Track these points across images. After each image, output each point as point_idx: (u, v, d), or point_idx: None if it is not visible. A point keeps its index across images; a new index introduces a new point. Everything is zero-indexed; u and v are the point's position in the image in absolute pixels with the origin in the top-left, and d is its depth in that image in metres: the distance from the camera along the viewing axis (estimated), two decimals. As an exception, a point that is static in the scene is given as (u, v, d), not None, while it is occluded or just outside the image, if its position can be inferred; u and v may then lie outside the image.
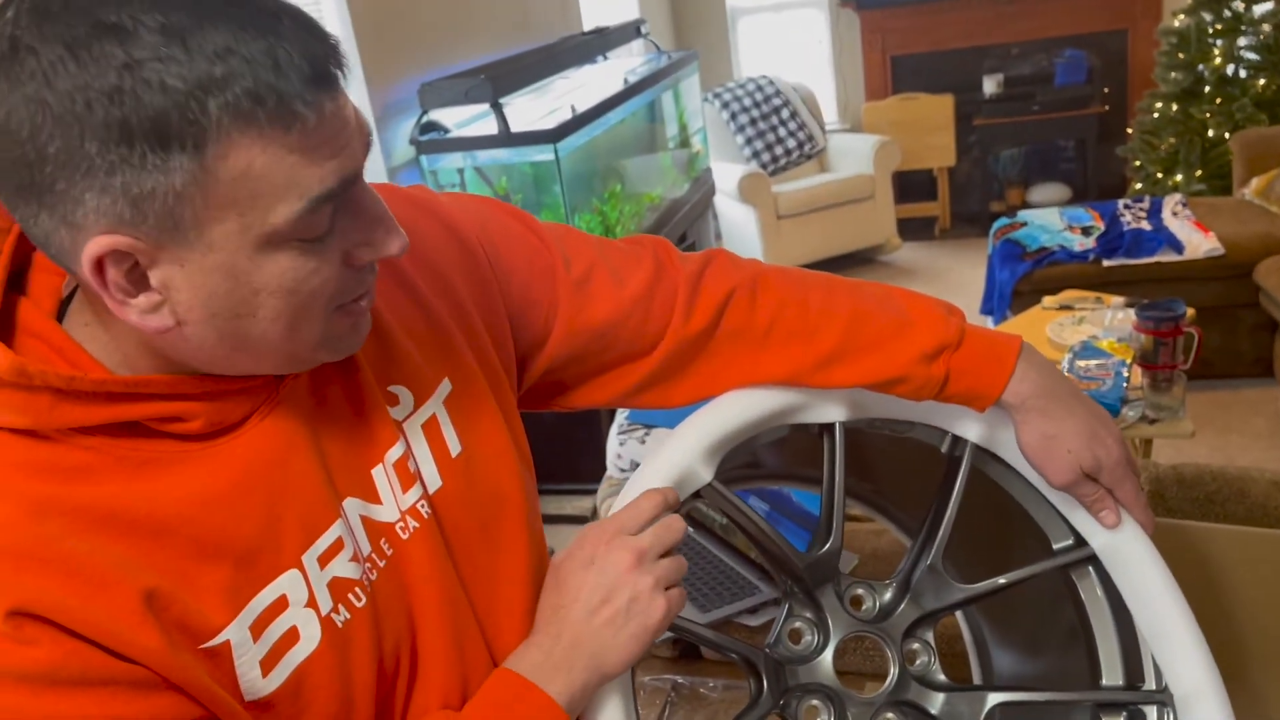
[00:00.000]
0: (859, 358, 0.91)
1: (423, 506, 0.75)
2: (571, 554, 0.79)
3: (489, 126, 3.10)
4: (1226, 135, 4.15)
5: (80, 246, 0.58)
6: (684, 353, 0.91)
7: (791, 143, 5.15)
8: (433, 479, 0.77)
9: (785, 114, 5.17)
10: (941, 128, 5.38)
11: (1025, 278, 3.50)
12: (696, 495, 0.91)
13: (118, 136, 0.55)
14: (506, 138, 3.05)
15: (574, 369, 0.91)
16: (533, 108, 3.41)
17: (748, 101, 5.14)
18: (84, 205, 0.57)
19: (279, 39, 0.57)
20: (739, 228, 5.05)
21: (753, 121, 5.11)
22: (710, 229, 4.78)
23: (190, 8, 0.55)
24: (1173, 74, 4.31)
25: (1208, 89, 4.24)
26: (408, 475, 0.75)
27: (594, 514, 2.97)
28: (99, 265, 0.58)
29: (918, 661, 0.95)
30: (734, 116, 5.11)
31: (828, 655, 0.92)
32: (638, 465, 1.87)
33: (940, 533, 0.95)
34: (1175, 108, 4.31)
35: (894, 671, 0.93)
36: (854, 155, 5.14)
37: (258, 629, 0.66)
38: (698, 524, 1.68)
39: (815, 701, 0.91)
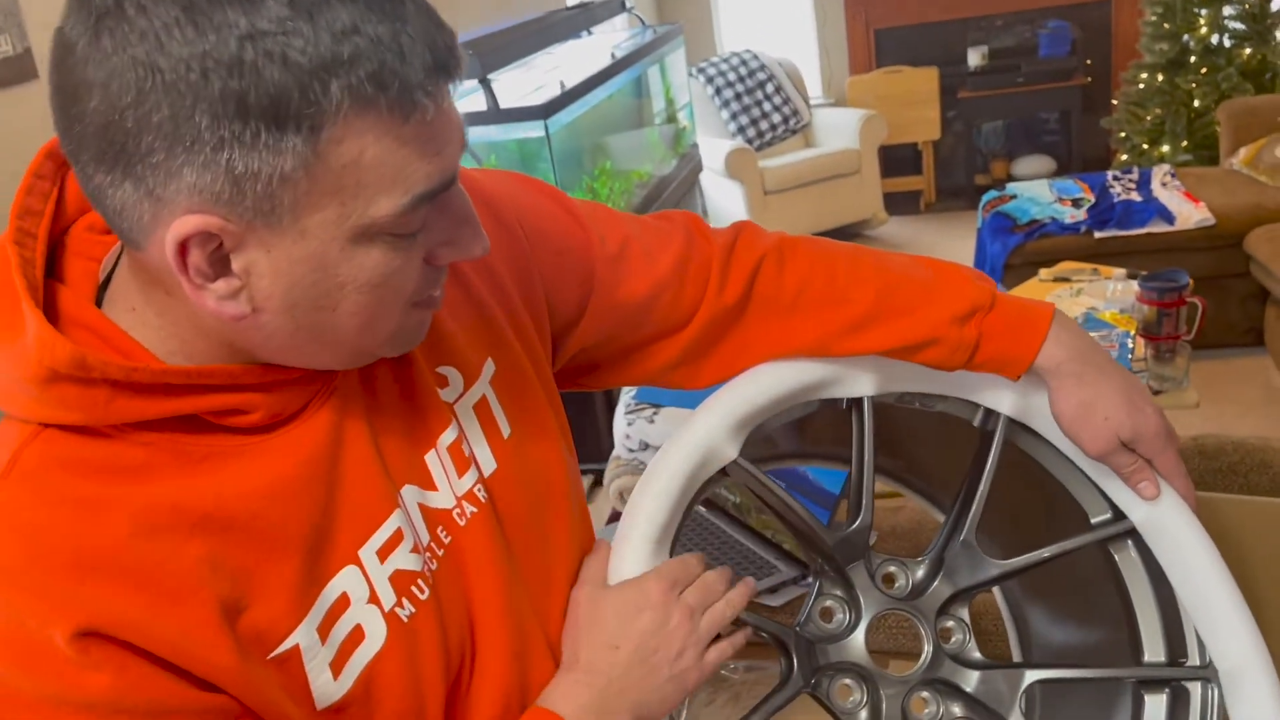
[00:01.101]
0: (890, 321, 0.88)
1: (479, 491, 0.73)
2: (625, 597, 0.77)
3: (477, 103, 3.05)
4: (1212, 105, 4.16)
5: (162, 222, 0.55)
6: (718, 325, 0.90)
7: (777, 117, 5.12)
8: (487, 462, 0.75)
9: (770, 89, 5.14)
10: (926, 101, 5.36)
11: (1017, 250, 3.49)
12: (722, 473, 0.89)
13: (233, 111, 0.51)
14: (495, 114, 3.00)
15: (607, 347, 0.89)
16: (520, 83, 3.36)
17: (732, 76, 5.10)
18: (179, 180, 0.53)
19: (404, 23, 0.54)
20: (726, 204, 5.02)
21: (737, 96, 5.08)
22: (698, 206, 4.75)
23: None
24: (1158, 44, 4.31)
25: (1193, 59, 4.24)
26: (462, 459, 0.73)
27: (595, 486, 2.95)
28: (183, 246, 0.55)
29: (952, 639, 0.93)
30: (718, 91, 5.07)
31: (859, 634, 0.90)
32: (646, 444, 1.85)
33: (974, 508, 0.93)
34: (1161, 78, 4.31)
35: (928, 649, 0.92)
36: (839, 130, 5.12)
37: (324, 629, 0.63)
38: (710, 504, 1.66)
39: (848, 680, 0.89)
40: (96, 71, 0.52)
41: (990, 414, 0.95)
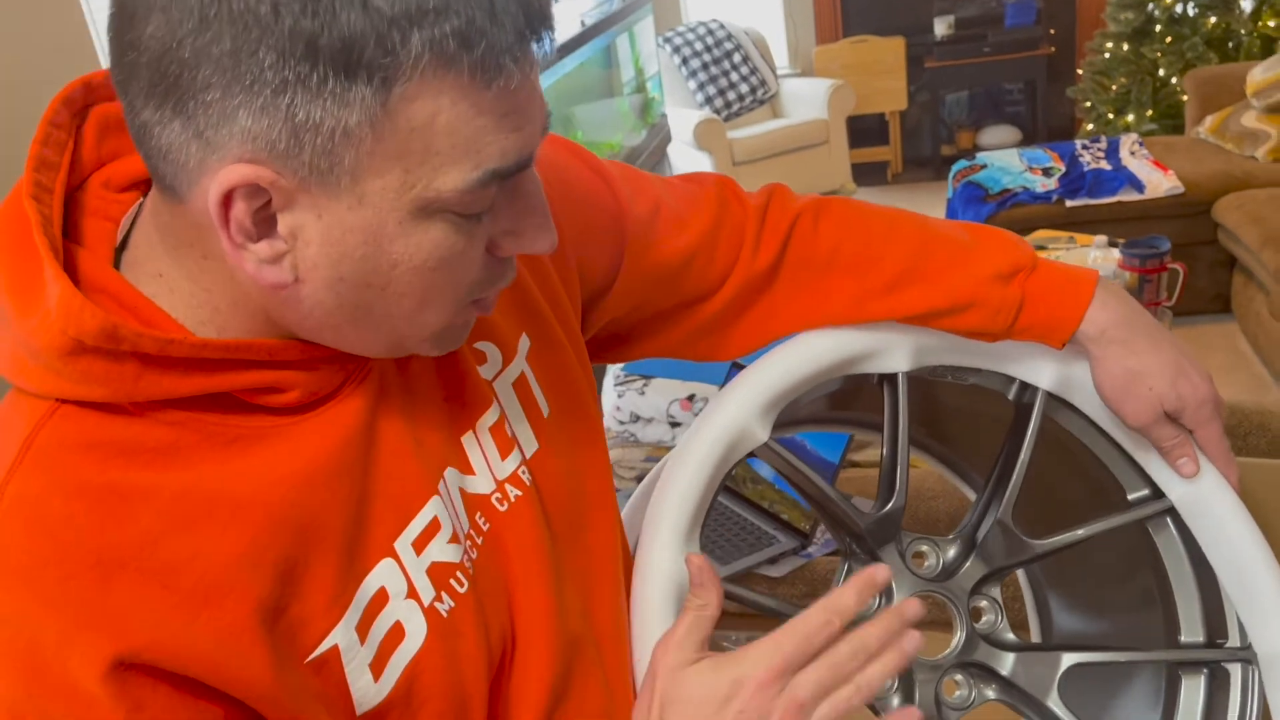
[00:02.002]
0: (927, 281, 0.84)
1: (524, 474, 0.68)
2: (712, 683, 0.62)
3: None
4: (1177, 74, 4.19)
5: (209, 170, 0.50)
6: (750, 290, 0.86)
7: (744, 87, 5.09)
8: (529, 442, 0.70)
9: (737, 58, 5.10)
10: (892, 71, 5.35)
11: (989, 220, 3.50)
12: (750, 454, 0.86)
13: (301, 52, 0.47)
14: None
15: (636, 315, 0.85)
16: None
17: (699, 46, 5.05)
18: (234, 123, 0.48)
19: None
20: (694, 175, 4.99)
21: (705, 67, 5.03)
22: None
23: None
24: (1123, 13, 4.32)
25: (1158, 28, 4.26)
26: (505, 440, 0.68)
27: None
28: (227, 198, 0.50)
29: (984, 619, 0.90)
30: (685, 61, 5.02)
31: None
32: (637, 416, 1.83)
33: (1010, 487, 0.89)
34: (1126, 47, 4.33)
35: (961, 631, 0.89)
36: (807, 100, 5.10)
37: (363, 628, 0.58)
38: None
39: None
40: (169, 19, 0.47)
41: (1026, 388, 0.91)
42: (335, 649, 0.57)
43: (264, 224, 0.52)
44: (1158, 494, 0.91)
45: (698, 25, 5.13)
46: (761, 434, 0.84)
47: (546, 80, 3.21)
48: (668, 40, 5.03)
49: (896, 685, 0.86)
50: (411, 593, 0.60)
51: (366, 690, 0.58)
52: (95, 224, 0.58)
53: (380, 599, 0.59)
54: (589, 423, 0.76)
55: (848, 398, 1.00)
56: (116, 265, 0.57)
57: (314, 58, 0.47)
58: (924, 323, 0.87)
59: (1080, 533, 0.90)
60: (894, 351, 0.88)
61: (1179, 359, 0.85)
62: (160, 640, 0.50)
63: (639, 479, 1.74)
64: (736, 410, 0.84)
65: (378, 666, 0.59)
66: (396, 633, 0.60)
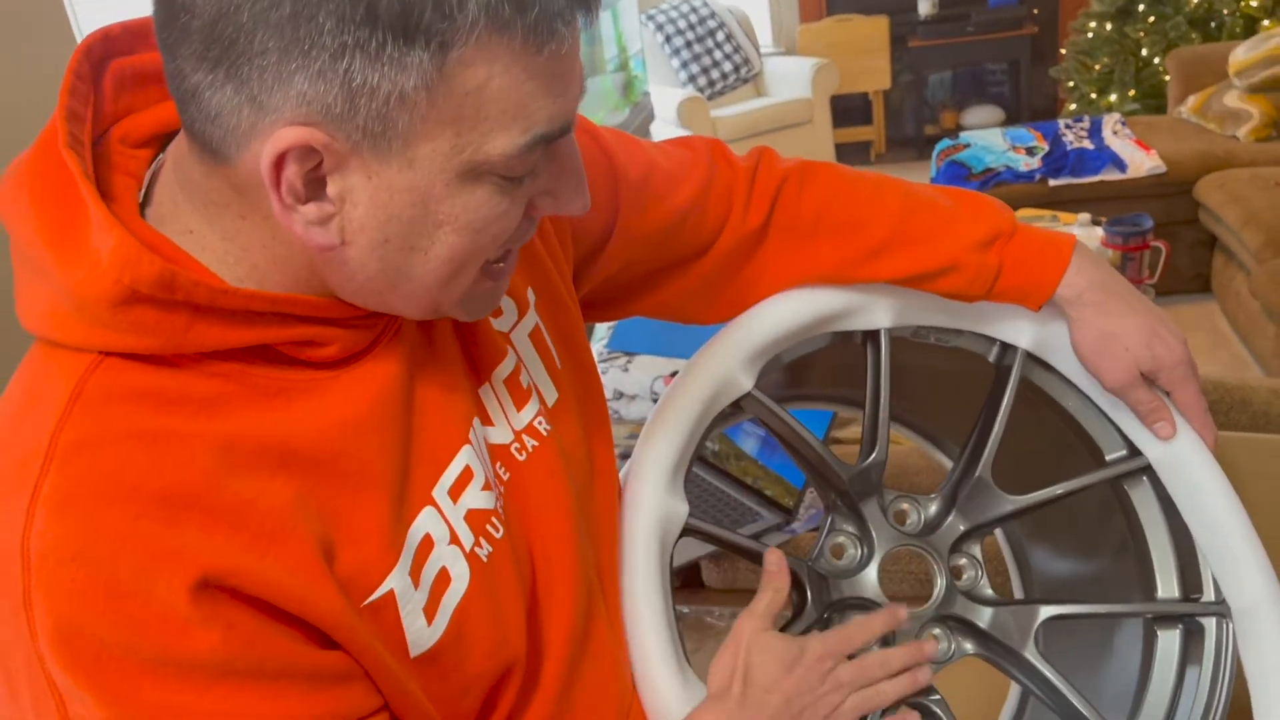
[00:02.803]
0: (911, 246, 0.86)
1: (540, 423, 0.70)
2: (785, 648, 0.77)
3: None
4: (1160, 54, 4.20)
5: (261, 133, 0.50)
6: (740, 251, 0.88)
7: (728, 66, 5.07)
8: (550, 392, 0.72)
9: (720, 36, 5.08)
10: (876, 50, 5.34)
11: (972, 199, 3.51)
12: (736, 405, 0.88)
13: (361, 17, 0.47)
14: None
15: (627, 273, 0.86)
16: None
17: (682, 24, 5.03)
18: (289, 87, 0.48)
19: None
20: (677, 154, 4.98)
21: (688, 45, 5.01)
22: (650, 155, 4.70)
23: None
24: (1107, -7, 4.33)
25: (1141, 7, 4.26)
26: (521, 391, 0.70)
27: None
28: (280, 160, 0.50)
29: (964, 576, 0.92)
30: (669, 39, 4.99)
31: (872, 569, 0.89)
32: (621, 393, 1.82)
33: (989, 445, 0.91)
34: (1109, 27, 4.33)
35: (940, 585, 0.90)
36: (790, 79, 5.08)
37: (415, 573, 0.59)
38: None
39: (860, 616, 0.88)
40: None
41: (1007, 349, 0.93)
42: (391, 593, 0.58)
43: (314, 185, 0.52)
44: (1134, 453, 0.93)
45: (681, 3, 5.10)
46: (746, 382, 0.86)
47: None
48: (651, 18, 5.00)
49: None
50: (454, 539, 0.62)
51: (421, 634, 0.59)
52: (120, 180, 0.57)
53: (426, 545, 0.60)
54: (590, 375, 0.79)
55: (834, 372, 1.01)
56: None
57: (374, 23, 0.47)
58: (905, 285, 0.89)
59: (1057, 490, 0.92)
60: (876, 309, 0.90)
61: (1153, 321, 0.87)
62: (239, 569, 0.51)
63: (624, 456, 1.74)
64: (722, 358, 0.86)
65: (430, 610, 0.60)
66: (444, 578, 0.61)
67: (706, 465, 1.63)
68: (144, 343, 0.52)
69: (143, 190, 0.58)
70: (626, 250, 0.84)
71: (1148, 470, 0.93)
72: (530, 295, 0.74)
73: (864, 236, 0.87)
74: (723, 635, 1.47)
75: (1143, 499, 0.96)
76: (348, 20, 0.47)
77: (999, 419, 0.91)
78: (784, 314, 0.88)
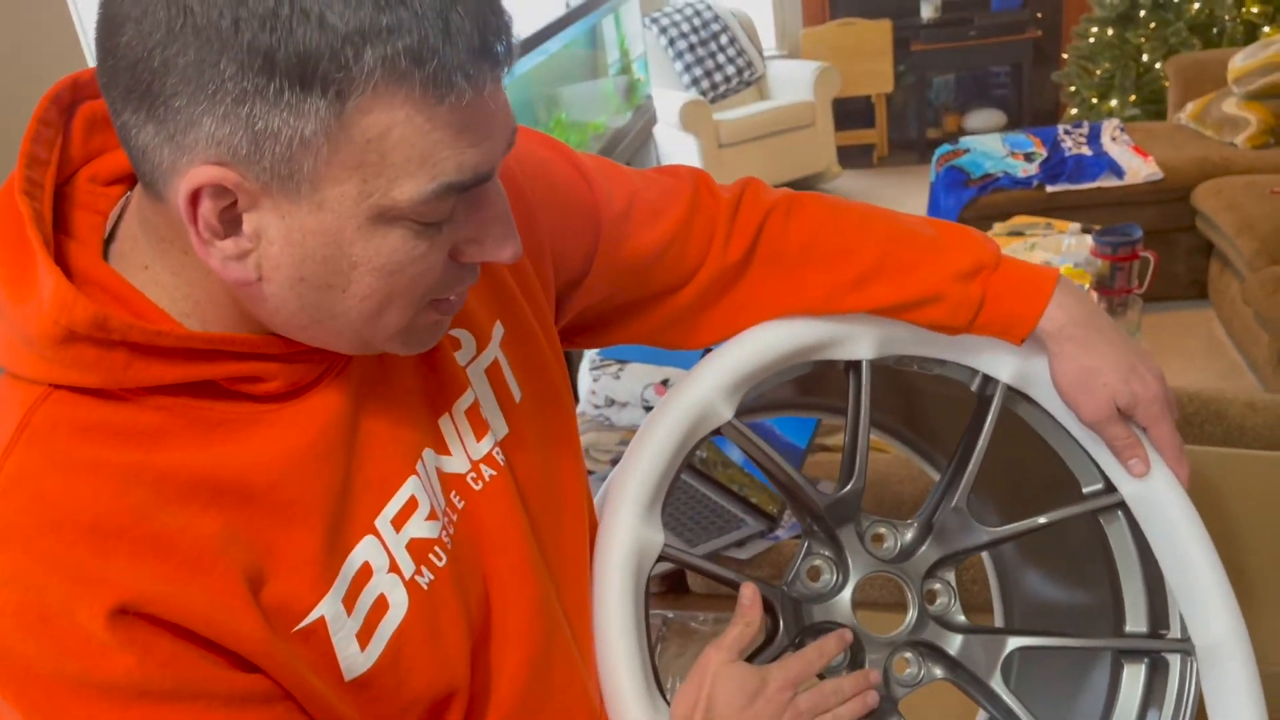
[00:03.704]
0: (895, 276, 0.87)
1: (498, 454, 0.72)
2: (747, 679, 0.80)
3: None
4: (1161, 60, 4.20)
5: (180, 171, 0.52)
6: (720, 282, 0.88)
7: (731, 69, 5.08)
8: (500, 426, 0.74)
9: (724, 40, 5.09)
10: (879, 53, 5.35)
11: (970, 204, 3.52)
12: (715, 432, 0.89)
13: (259, 65, 0.49)
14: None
15: (609, 303, 0.88)
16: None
17: (685, 27, 5.04)
18: (199, 128, 0.51)
19: (455, 1, 0.51)
20: (680, 157, 4.99)
21: (691, 48, 5.02)
22: (652, 159, 4.72)
23: None
24: (1108, -2, 4.34)
25: (1143, 13, 4.27)
26: (480, 422, 0.72)
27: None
28: (194, 197, 0.52)
29: (937, 602, 0.94)
30: (672, 42, 5.01)
31: (846, 594, 0.90)
32: (612, 400, 1.85)
33: (967, 473, 0.92)
34: (1110, 32, 4.34)
35: (913, 612, 0.92)
36: (793, 82, 5.10)
37: (350, 600, 0.62)
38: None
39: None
40: (133, 6, 0.50)
41: (988, 380, 0.94)
42: (322, 620, 0.60)
43: (230, 223, 0.54)
44: (1110, 488, 0.94)
45: (685, 6, 5.12)
46: (726, 412, 0.87)
47: (530, 62, 3.22)
48: (654, 21, 5.01)
49: (847, 660, 0.90)
50: (393, 567, 0.64)
51: (354, 659, 0.62)
52: (84, 217, 0.60)
53: (364, 573, 0.62)
54: (560, 407, 0.80)
55: (817, 382, 1.02)
56: (105, 257, 0.60)
57: (271, 70, 0.49)
58: (889, 315, 0.90)
59: (1033, 522, 0.94)
60: (859, 340, 0.91)
61: (1132, 358, 0.88)
62: (159, 597, 0.54)
63: (614, 462, 1.77)
64: (702, 389, 0.86)
65: (364, 636, 0.62)
66: (381, 605, 0.63)
67: (694, 472, 1.66)
68: (87, 378, 0.55)
69: (110, 226, 0.61)
70: (607, 280, 0.85)
71: (1122, 506, 0.94)
72: (498, 330, 0.75)
73: (849, 266, 0.87)
74: (707, 640, 1.50)
75: (1117, 534, 0.97)
76: (246, 67, 0.49)
77: (977, 449, 0.92)
78: (765, 344, 0.89)
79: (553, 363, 0.80)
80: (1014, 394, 0.94)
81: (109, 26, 0.52)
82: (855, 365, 0.92)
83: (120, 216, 0.61)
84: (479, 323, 0.74)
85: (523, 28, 3.28)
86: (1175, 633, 0.94)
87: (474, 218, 0.59)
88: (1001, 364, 0.92)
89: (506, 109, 0.57)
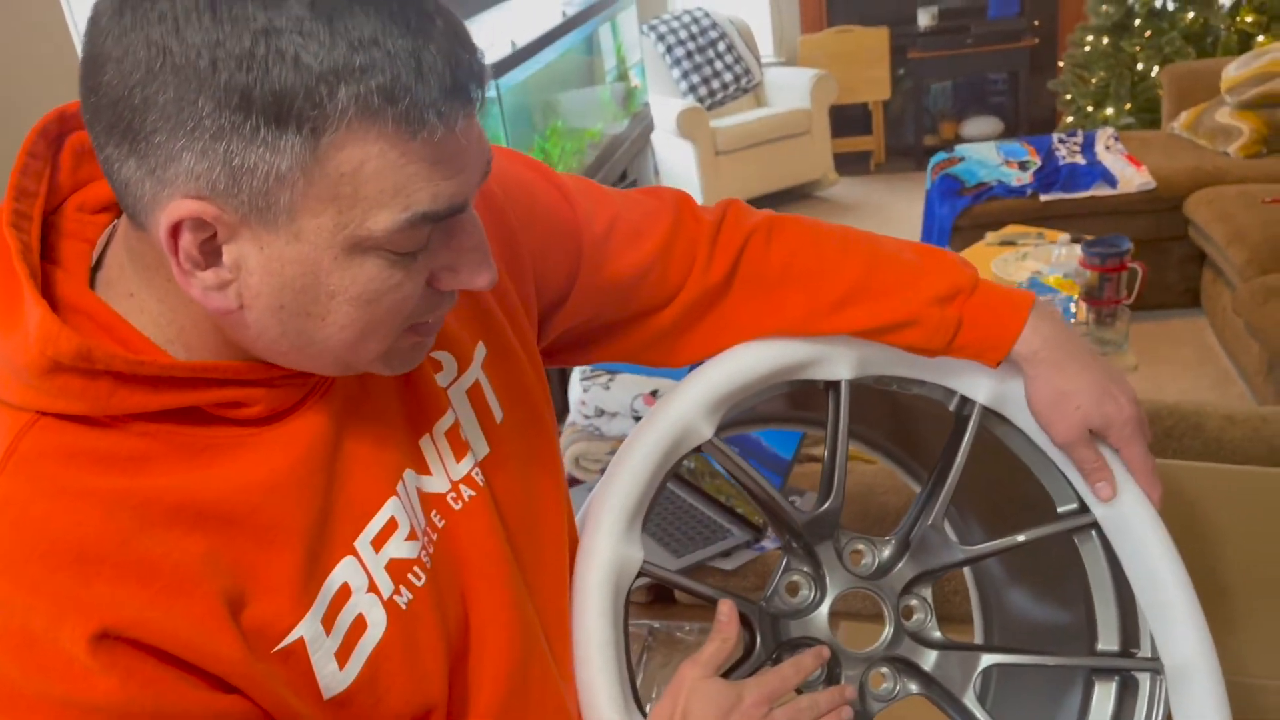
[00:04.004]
0: (873, 300, 0.89)
1: (477, 474, 0.73)
2: (723, 694, 0.80)
3: (427, 62, 3.00)
4: (1155, 69, 4.22)
5: (161, 204, 0.54)
6: (702, 303, 0.90)
7: (728, 76, 5.10)
8: (481, 446, 0.75)
9: (721, 47, 5.11)
10: (876, 61, 5.37)
11: (964, 213, 3.54)
12: (696, 450, 0.90)
13: (235, 103, 0.51)
14: (446, 74, 2.96)
15: (591, 323, 0.89)
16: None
17: (683, 34, 5.06)
18: (178, 163, 0.53)
19: (427, 40, 0.53)
20: (677, 164, 5.01)
21: (689, 55, 5.04)
22: (650, 166, 4.73)
23: None
24: (1104, 7, 4.35)
25: (1138, 22, 4.29)
26: (460, 444, 0.73)
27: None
28: (175, 229, 0.54)
29: (914, 618, 0.95)
30: (670, 50, 5.03)
31: (824, 609, 0.92)
32: (601, 411, 1.87)
33: (944, 492, 0.94)
34: (1106, 41, 4.36)
35: (889, 627, 0.93)
36: (790, 89, 5.12)
37: (329, 620, 0.63)
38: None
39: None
40: (114, 46, 0.52)
41: (966, 401, 0.95)
42: (301, 640, 0.61)
43: (211, 254, 0.56)
44: (1084, 508, 0.95)
45: (683, 13, 5.14)
46: (706, 431, 0.88)
47: (527, 70, 3.23)
48: (652, 28, 5.03)
49: (825, 674, 0.91)
50: (372, 587, 0.65)
51: (333, 677, 0.63)
52: (72, 245, 0.62)
53: (343, 594, 0.64)
54: (541, 426, 0.81)
55: (807, 397, 1.04)
56: (92, 284, 0.62)
57: (248, 108, 0.51)
58: (868, 337, 0.91)
59: (1010, 541, 0.95)
60: (838, 360, 0.92)
61: (1106, 381, 0.89)
62: (140, 621, 0.55)
63: (603, 471, 1.78)
64: (683, 408, 0.88)
65: (343, 655, 0.64)
66: (359, 625, 0.64)
67: (681, 482, 1.68)
68: (72, 406, 0.57)
69: (97, 253, 0.63)
70: (590, 300, 0.86)
71: (1095, 526, 0.95)
72: (480, 351, 0.77)
73: (829, 289, 0.89)
74: (692, 650, 1.52)
75: (1090, 553, 0.98)
76: (224, 105, 0.51)
77: (954, 468, 0.94)
78: (746, 364, 0.90)
79: (534, 383, 0.81)
80: (991, 414, 0.95)
81: (91, 65, 0.53)
82: (834, 385, 0.93)
83: (107, 244, 0.63)
84: (461, 344, 0.75)
85: (519, 36, 3.31)
86: (1145, 652, 0.95)
87: (449, 246, 0.60)
88: (978, 385, 0.94)
89: (480, 141, 0.59)
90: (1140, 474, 0.92)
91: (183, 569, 0.57)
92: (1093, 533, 0.97)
